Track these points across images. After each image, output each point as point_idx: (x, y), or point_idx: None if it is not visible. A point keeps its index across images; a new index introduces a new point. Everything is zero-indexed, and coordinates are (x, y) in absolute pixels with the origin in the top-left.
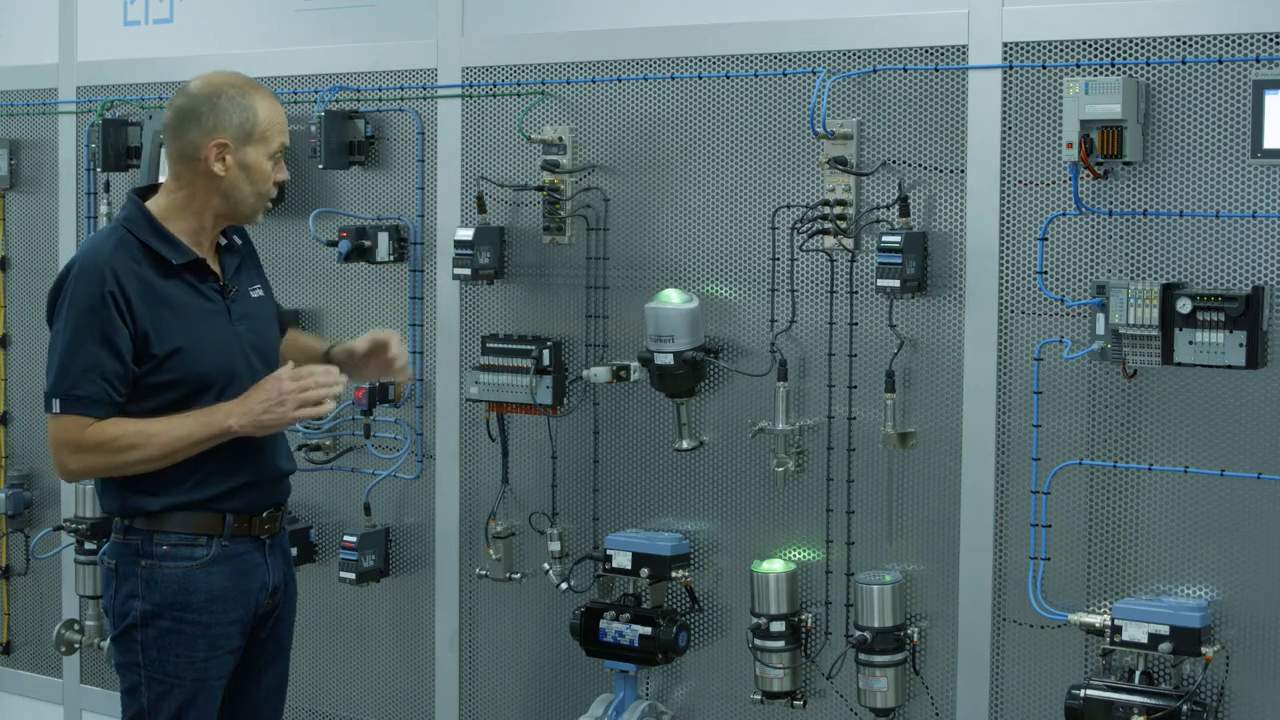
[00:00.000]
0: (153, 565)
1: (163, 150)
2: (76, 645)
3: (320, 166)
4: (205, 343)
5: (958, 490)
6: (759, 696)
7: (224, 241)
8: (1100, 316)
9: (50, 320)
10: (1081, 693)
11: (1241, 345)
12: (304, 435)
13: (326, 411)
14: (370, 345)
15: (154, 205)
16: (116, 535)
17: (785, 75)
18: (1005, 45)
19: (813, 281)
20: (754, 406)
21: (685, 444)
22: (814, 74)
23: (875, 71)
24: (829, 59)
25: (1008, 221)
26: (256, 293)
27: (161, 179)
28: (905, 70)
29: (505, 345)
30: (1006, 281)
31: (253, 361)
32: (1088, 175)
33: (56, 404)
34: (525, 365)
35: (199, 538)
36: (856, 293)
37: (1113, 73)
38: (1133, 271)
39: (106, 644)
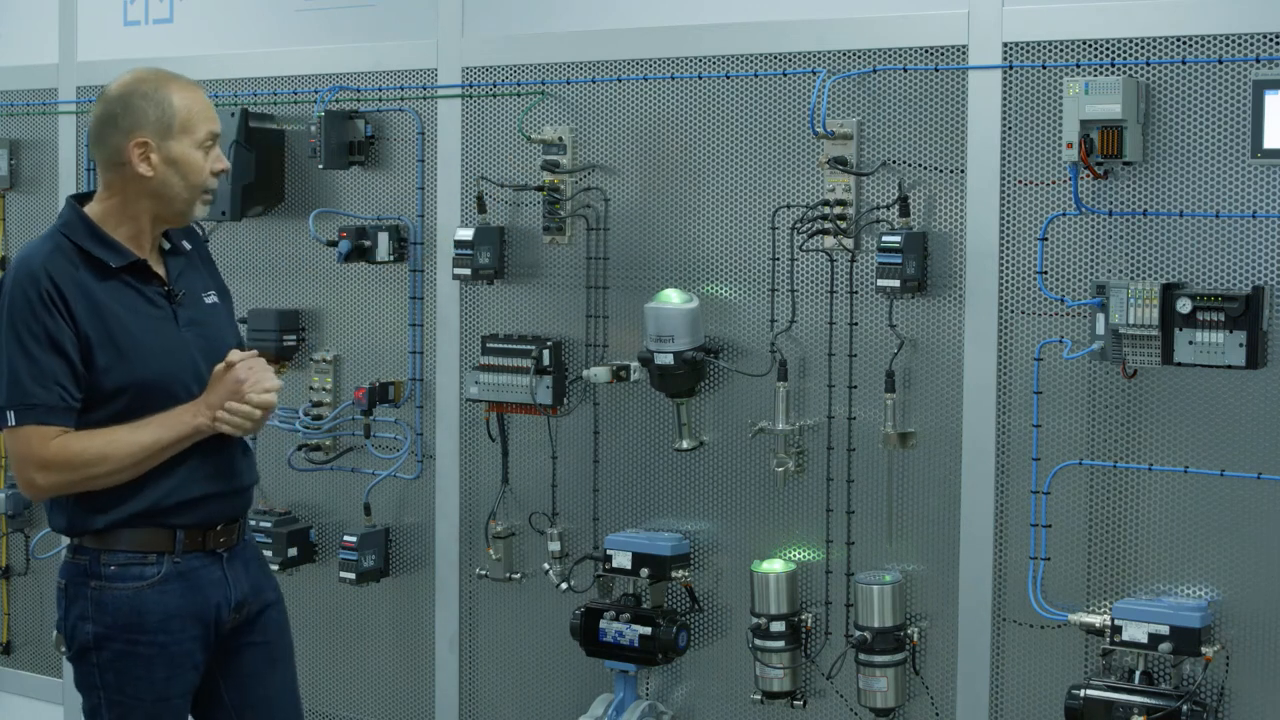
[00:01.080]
0: (102, 586)
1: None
2: None
3: (320, 166)
4: (149, 347)
5: (958, 490)
6: (759, 696)
7: (168, 245)
8: (1100, 316)
9: None
10: (1081, 693)
11: (1241, 345)
12: (304, 435)
13: (274, 402)
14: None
15: (91, 211)
16: (66, 554)
17: (785, 75)
18: (1005, 45)
19: (813, 281)
20: (754, 406)
21: (685, 444)
22: (814, 74)
23: (875, 71)
24: (829, 59)
25: (1008, 221)
26: (210, 299)
27: None
28: (905, 70)
29: (505, 345)
30: (1006, 281)
31: (201, 368)
32: (1088, 175)
33: (11, 416)
34: (525, 365)
35: (148, 555)
36: (856, 293)
37: (1113, 73)
38: (1133, 271)
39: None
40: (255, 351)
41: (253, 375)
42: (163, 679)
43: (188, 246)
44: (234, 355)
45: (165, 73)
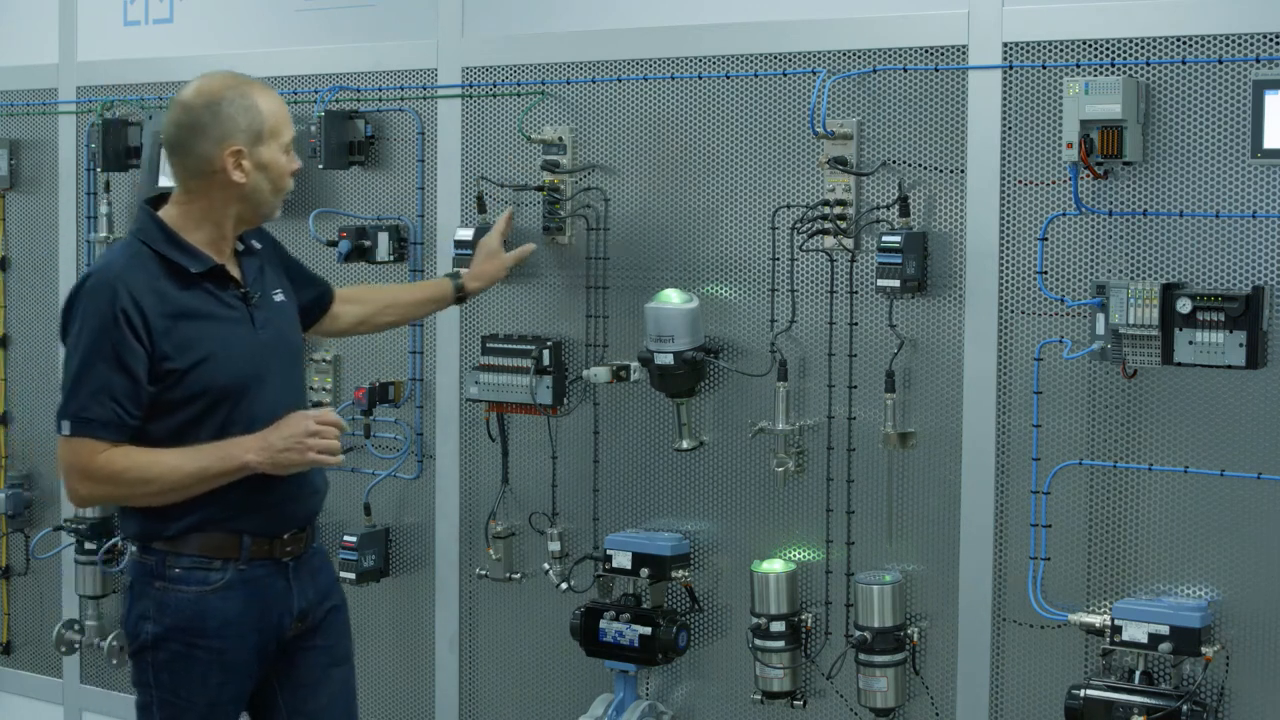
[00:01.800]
0: (166, 588)
1: (165, 161)
2: (76, 645)
3: (320, 166)
4: (229, 352)
5: (958, 490)
6: (759, 696)
7: (242, 246)
8: (1100, 316)
9: (62, 336)
10: (1081, 693)
11: (1241, 345)
12: None
13: (340, 461)
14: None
15: (167, 216)
16: (134, 553)
17: (785, 75)
18: (1005, 45)
19: (813, 281)
20: (754, 406)
21: (685, 444)
22: (814, 74)
23: (875, 71)
24: (829, 59)
25: (1008, 221)
26: (278, 296)
27: (163, 182)
28: (905, 70)
29: (505, 345)
30: (1006, 281)
31: (276, 369)
32: (1088, 175)
33: (66, 426)
34: (525, 365)
35: (213, 561)
36: (856, 293)
37: (1113, 73)
38: (1133, 271)
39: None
40: (333, 411)
41: (325, 434)
42: (216, 684)
43: (258, 246)
44: (317, 413)
45: (245, 77)
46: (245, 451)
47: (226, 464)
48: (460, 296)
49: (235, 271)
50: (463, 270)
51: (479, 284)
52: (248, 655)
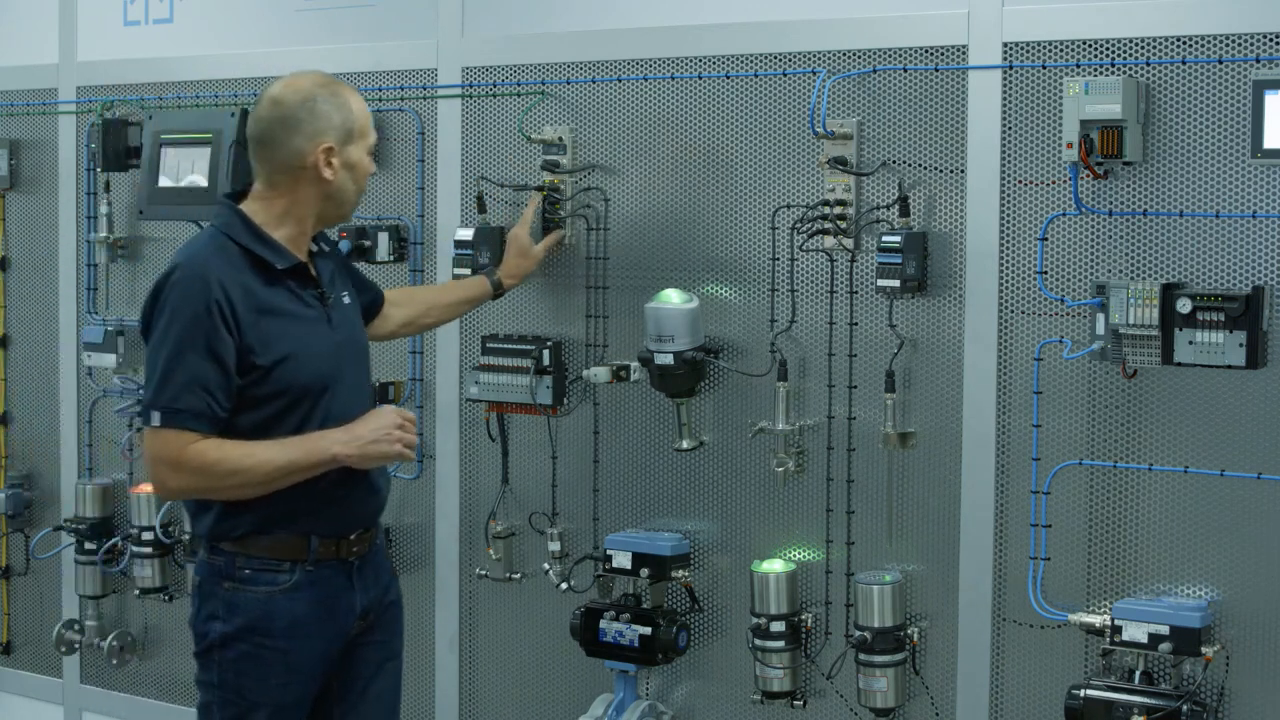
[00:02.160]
0: (235, 588)
1: (251, 157)
2: (76, 645)
3: None
4: (310, 351)
5: (958, 490)
6: (759, 696)
7: (315, 248)
8: (1100, 316)
9: (147, 329)
10: (1081, 693)
11: (1241, 345)
12: None
13: (409, 458)
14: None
15: (251, 211)
16: (203, 553)
17: (785, 75)
18: (1005, 45)
19: (813, 281)
20: (754, 406)
21: (685, 444)
22: (814, 74)
23: (875, 71)
24: (829, 59)
25: (1008, 221)
26: (347, 298)
27: (163, 182)
28: (905, 70)
29: (505, 345)
30: (1006, 281)
31: (353, 369)
32: (1088, 175)
33: (156, 416)
34: (525, 365)
35: (282, 563)
36: (856, 293)
37: (1113, 73)
38: (1133, 271)
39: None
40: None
41: (408, 428)
42: (279, 685)
43: (327, 248)
44: (399, 409)
45: (334, 78)
46: (333, 444)
47: (314, 456)
48: (498, 293)
49: (313, 270)
50: (489, 266)
51: (515, 280)
52: (313, 657)
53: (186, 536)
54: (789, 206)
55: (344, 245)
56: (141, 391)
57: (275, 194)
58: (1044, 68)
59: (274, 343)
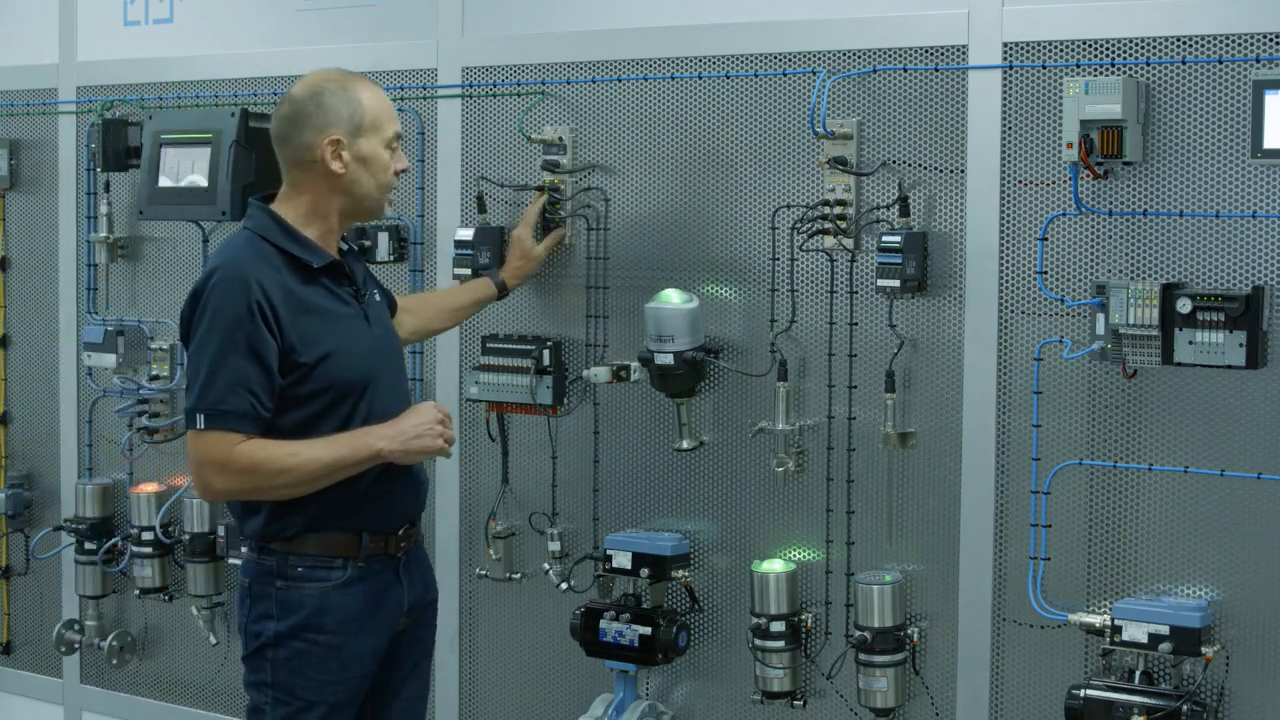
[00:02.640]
0: (288, 586)
1: (278, 157)
2: (76, 645)
3: None
4: (351, 348)
5: (958, 490)
6: (759, 696)
7: (345, 247)
8: (1100, 316)
9: (187, 333)
10: (1081, 693)
11: (1241, 345)
12: None
13: (446, 454)
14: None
15: (280, 211)
16: (250, 554)
17: (785, 75)
18: (1005, 45)
19: (813, 281)
20: (754, 406)
21: (685, 444)
22: (814, 74)
23: (875, 71)
24: (829, 59)
25: (1008, 221)
26: (379, 297)
27: (163, 182)
28: (905, 70)
29: (505, 345)
30: (1006, 281)
31: (390, 367)
32: (1088, 175)
33: (201, 419)
34: (525, 365)
35: (334, 560)
36: (856, 293)
37: (1113, 73)
38: (1133, 271)
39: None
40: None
41: (449, 423)
42: (332, 681)
43: (356, 248)
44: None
45: (351, 73)
46: (377, 440)
47: (359, 453)
48: (502, 294)
49: (347, 269)
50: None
51: (518, 281)
52: (365, 653)
53: (187, 537)
54: (789, 206)
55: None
56: (141, 392)
57: (298, 193)
58: (1044, 68)
59: (316, 340)
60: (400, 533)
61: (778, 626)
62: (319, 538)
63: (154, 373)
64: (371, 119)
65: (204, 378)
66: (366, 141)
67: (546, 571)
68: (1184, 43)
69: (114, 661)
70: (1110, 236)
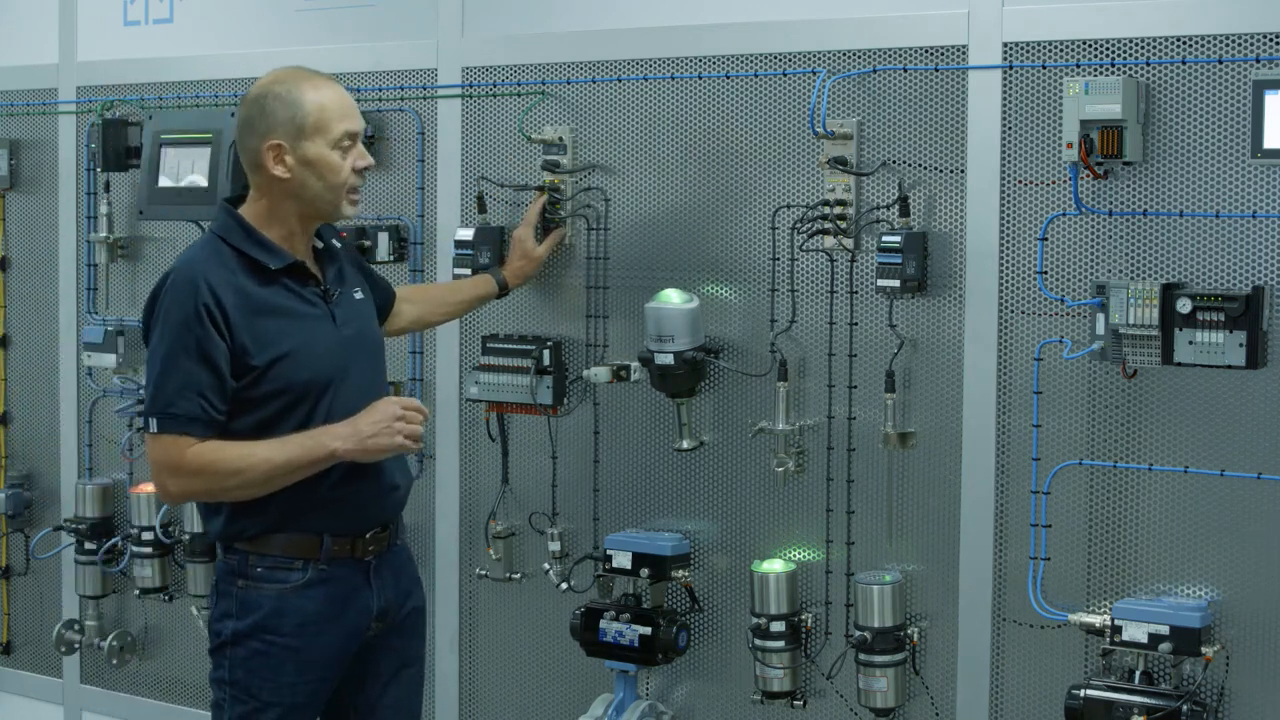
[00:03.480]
0: (248, 586)
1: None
2: (76, 645)
3: None
4: (309, 350)
5: (958, 490)
6: (759, 696)
7: (321, 245)
8: (1100, 316)
9: (146, 336)
10: (1081, 693)
11: (1241, 345)
12: None
13: (420, 448)
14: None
15: (245, 213)
16: (219, 553)
17: (785, 75)
18: (1005, 45)
19: (813, 281)
20: (754, 406)
21: (685, 444)
22: (814, 74)
23: (875, 71)
24: (829, 59)
25: (1008, 221)
26: (358, 294)
27: (163, 182)
28: (905, 70)
29: (505, 345)
30: (1006, 281)
31: (357, 366)
32: (1088, 175)
33: (154, 423)
34: (525, 365)
35: (294, 561)
36: (856, 293)
37: (1113, 73)
38: (1133, 271)
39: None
40: (418, 401)
41: (410, 419)
42: (289, 684)
43: (337, 245)
44: (402, 399)
45: (302, 71)
46: (333, 439)
47: (313, 453)
48: (503, 292)
49: (314, 269)
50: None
51: (519, 281)
52: (325, 656)
53: (187, 537)
54: (789, 206)
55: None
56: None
57: (258, 195)
58: (1044, 68)
59: (271, 342)
60: (368, 536)
61: (778, 626)
62: (281, 538)
63: None
64: (315, 121)
65: (156, 381)
66: (311, 145)
67: (546, 571)
68: (1184, 43)
69: (114, 661)
70: (1110, 236)
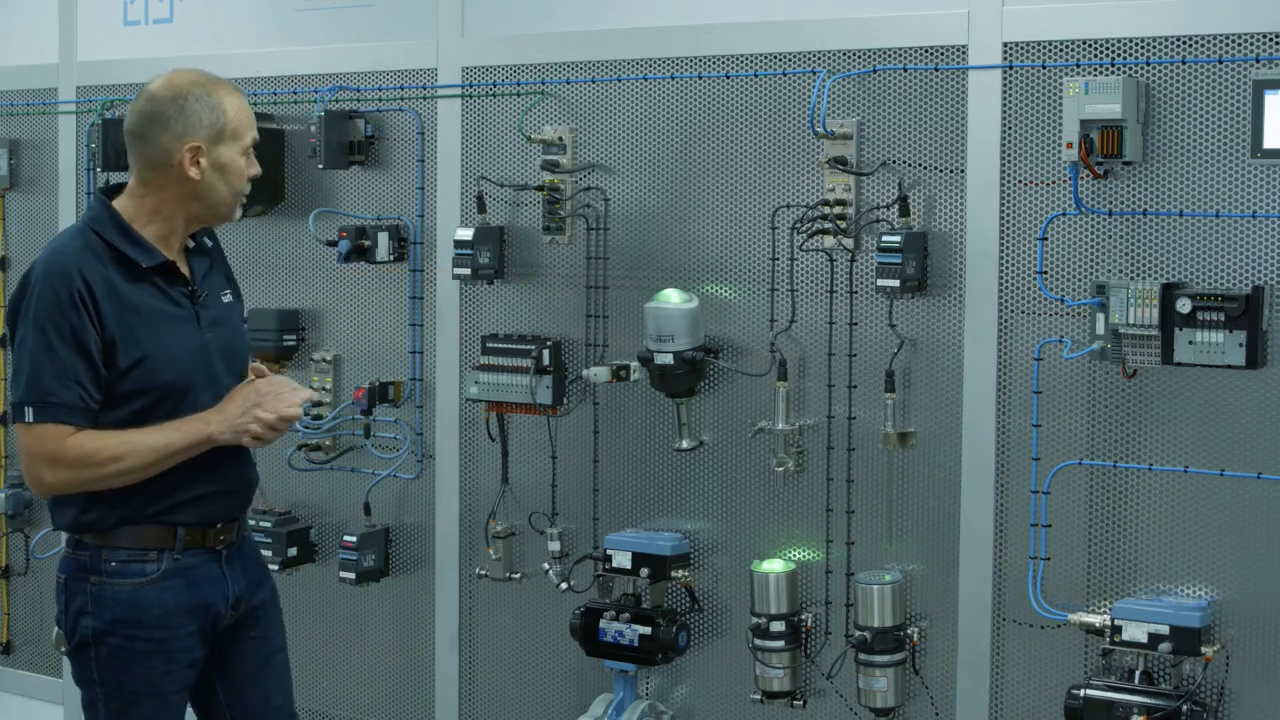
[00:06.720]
0: (102, 582)
1: (128, 154)
2: None
3: (320, 166)
4: (172, 351)
5: (958, 490)
6: (759, 696)
7: (193, 244)
8: (1100, 316)
9: (13, 325)
10: (1081, 693)
11: (1241, 345)
12: (303, 435)
13: (297, 416)
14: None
15: (121, 207)
16: (66, 549)
17: (785, 75)
18: (1005, 45)
19: (813, 281)
20: (754, 406)
21: (685, 444)
22: (814, 74)
23: (875, 71)
24: (829, 59)
25: (1008, 221)
26: (226, 297)
27: None
28: (905, 70)
29: (505, 345)
30: (1006, 281)
31: (219, 370)
32: (1088, 175)
33: (30, 413)
34: (525, 365)
35: (148, 553)
36: (856, 293)
37: (1113, 73)
38: (1133, 271)
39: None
40: (283, 377)
41: (273, 390)
42: (159, 674)
43: (209, 244)
44: (258, 368)
45: (214, 77)
46: (206, 424)
47: (191, 437)
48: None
49: (184, 269)
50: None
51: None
52: (188, 642)
53: None
54: (789, 206)
55: (343, 245)
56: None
57: (145, 191)
58: (1044, 68)
59: (134, 342)
60: (219, 526)
61: (778, 626)
62: (132, 530)
63: None
64: (233, 127)
65: (30, 370)
66: (226, 149)
67: (546, 571)
68: (1184, 43)
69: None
70: (1110, 236)
